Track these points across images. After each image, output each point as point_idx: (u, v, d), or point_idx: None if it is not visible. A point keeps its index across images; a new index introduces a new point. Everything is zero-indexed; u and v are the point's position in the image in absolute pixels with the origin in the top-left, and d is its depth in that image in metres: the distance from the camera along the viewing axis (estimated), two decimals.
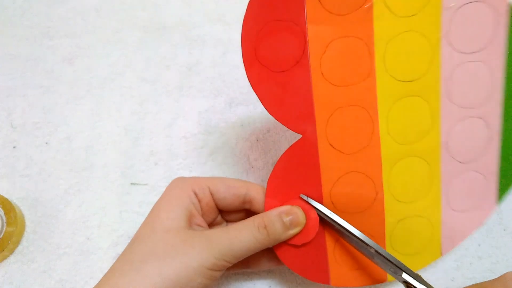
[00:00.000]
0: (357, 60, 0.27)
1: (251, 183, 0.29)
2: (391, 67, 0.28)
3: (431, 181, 0.30)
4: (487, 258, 0.35)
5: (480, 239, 0.35)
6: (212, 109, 0.39)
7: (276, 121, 0.27)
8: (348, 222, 0.28)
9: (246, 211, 0.31)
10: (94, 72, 0.40)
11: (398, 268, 0.27)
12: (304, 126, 0.27)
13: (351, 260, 0.30)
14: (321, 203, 0.29)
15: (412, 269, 0.27)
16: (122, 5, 0.43)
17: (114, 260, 0.26)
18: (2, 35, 0.42)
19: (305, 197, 0.28)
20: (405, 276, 0.27)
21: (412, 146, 0.29)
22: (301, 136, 0.28)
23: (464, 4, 0.27)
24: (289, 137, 0.38)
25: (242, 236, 0.26)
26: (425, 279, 0.27)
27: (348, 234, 0.28)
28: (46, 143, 0.38)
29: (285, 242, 0.28)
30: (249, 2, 0.25)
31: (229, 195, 0.29)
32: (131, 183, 0.37)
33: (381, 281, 0.31)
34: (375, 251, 0.27)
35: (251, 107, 0.39)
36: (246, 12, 0.25)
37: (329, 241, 0.30)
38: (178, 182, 0.29)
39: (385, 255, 0.27)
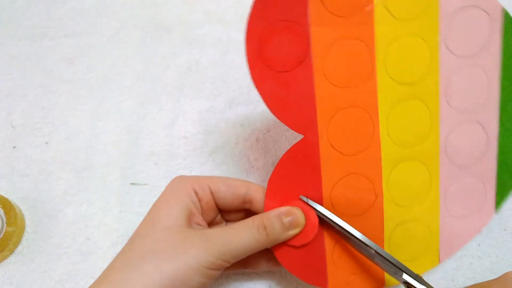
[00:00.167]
0: (359, 62, 0.27)
1: (252, 183, 0.29)
2: (392, 69, 0.28)
3: (430, 185, 0.30)
4: (487, 258, 0.35)
5: (480, 239, 0.35)
6: (212, 109, 0.39)
7: (276, 121, 0.27)
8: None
9: (245, 211, 0.31)
10: (94, 72, 0.40)
11: (398, 268, 0.27)
12: (306, 126, 0.27)
13: (349, 264, 0.30)
14: (321, 204, 0.29)
15: None
16: (122, 5, 0.43)
17: None
18: (2, 35, 0.42)
19: (304, 199, 0.28)
20: (405, 276, 0.27)
21: (412, 149, 0.29)
22: (302, 136, 0.28)
23: (460, 9, 0.27)
24: (289, 137, 0.38)
25: (241, 236, 0.26)
26: (425, 280, 0.27)
27: (348, 235, 0.28)
28: (46, 143, 0.38)
29: (284, 243, 0.28)
30: (254, 2, 0.25)
31: (229, 195, 0.29)
32: (131, 183, 0.37)
33: (379, 287, 0.31)
34: (375, 252, 0.27)
35: (251, 107, 0.39)
36: (251, 11, 0.25)
37: (328, 244, 0.29)
38: (179, 181, 0.29)
39: (385, 256, 0.27)
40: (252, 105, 0.39)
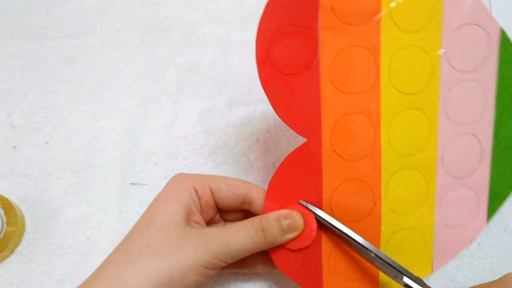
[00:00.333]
0: (364, 69, 0.28)
1: (252, 184, 0.29)
2: (395, 79, 0.28)
3: (426, 194, 0.31)
4: (487, 258, 0.35)
5: (480, 239, 0.35)
6: (212, 109, 0.39)
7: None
8: None
9: (244, 212, 0.31)
10: (94, 72, 0.40)
11: (398, 271, 0.27)
12: (310, 130, 0.28)
13: (345, 271, 0.30)
14: (320, 209, 0.29)
15: None
16: (122, 5, 0.43)
17: None
18: (2, 35, 0.42)
19: (304, 203, 0.28)
20: (406, 279, 0.26)
21: (411, 158, 0.30)
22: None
23: (462, 26, 0.28)
24: (289, 137, 0.38)
25: (239, 236, 0.26)
26: (425, 282, 0.27)
27: (348, 239, 0.28)
28: (46, 143, 0.38)
29: (281, 246, 0.28)
30: (267, 4, 0.25)
31: (229, 194, 0.29)
32: (131, 183, 0.37)
33: None
34: (375, 255, 0.27)
35: (251, 107, 0.39)
36: (263, 13, 0.25)
37: (325, 250, 0.30)
38: (179, 178, 0.29)
39: (385, 259, 0.27)
40: (252, 105, 0.39)
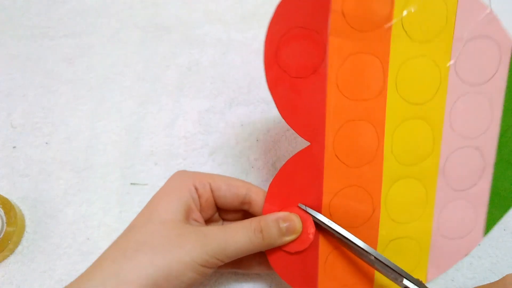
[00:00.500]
0: (372, 77, 0.28)
1: (252, 185, 0.29)
2: (402, 88, 0.28)
3: (425, 204, 0.31)
4: (487, 258, 0.35)
5: None
6: (212, 109, 0.39)
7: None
8: None
9: (243, 212, 0.31)
10: (94, 72, 0.40)
11: (398, 274, 0.27)
12: (313, 134, 0.28)
13: (340, 276, 0.30)
14: (320, 213, 0.29)
15: None
16: (122, 5, 0.43)
17: None
18: (2, 35, 0.42)
19: (303, 207, 0.28)
20: (406, 282, 0.26)
21: (412, 167, 0.30)
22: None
23: (474, 38, 0.28)
24: (289, 137, 0.38)
25: (237, 236, 0.26)
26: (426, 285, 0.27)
27: (348, 242, 0.28)
28: (46, 143, 0.38)
29: (279, 248, 0.28)
30: (278, 6, 0.25)
31: (229, 194, 0.29)
32: (131, 183, 0.37)
33: None
34: (375, 258, 0.27)
35: (251, 107, 0.39)
36: (273, 15, 0.25)
37: (322, 254, 0.30)
38: (180, 175, 0.29)
39: (385, 262, 0.27)
40: (252, 105, 0.39)
